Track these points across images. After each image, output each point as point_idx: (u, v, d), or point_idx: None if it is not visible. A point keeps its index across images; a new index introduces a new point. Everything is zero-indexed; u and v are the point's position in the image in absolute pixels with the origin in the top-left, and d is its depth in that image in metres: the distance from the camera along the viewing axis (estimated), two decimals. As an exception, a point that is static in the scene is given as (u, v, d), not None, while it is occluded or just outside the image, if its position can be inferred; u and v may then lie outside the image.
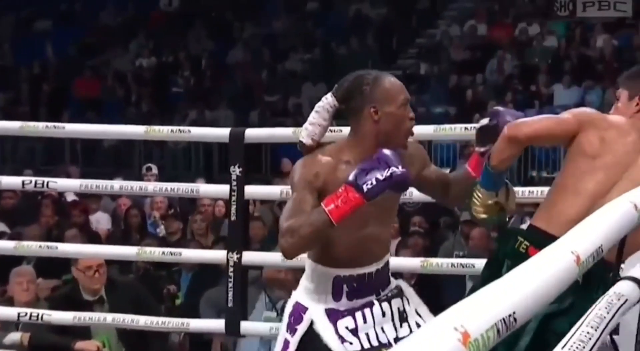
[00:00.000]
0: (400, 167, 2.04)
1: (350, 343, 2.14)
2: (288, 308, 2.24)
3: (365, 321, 2.17)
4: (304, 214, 2.07)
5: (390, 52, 12.16)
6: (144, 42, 12.82)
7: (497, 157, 2.20)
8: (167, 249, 3.58)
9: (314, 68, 11.83)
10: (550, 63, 10.63)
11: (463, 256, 4.50)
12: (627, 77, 2.39)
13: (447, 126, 3.22)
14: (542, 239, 2.07)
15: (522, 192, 3.15)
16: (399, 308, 2.22)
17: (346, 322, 2.17)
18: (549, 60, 10.70)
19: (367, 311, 2.19)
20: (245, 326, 3.37)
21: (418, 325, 2.21)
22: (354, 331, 2.16)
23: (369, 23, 12.35)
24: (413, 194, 2.89)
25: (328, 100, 2.28)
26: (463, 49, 11.34)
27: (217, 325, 3.43)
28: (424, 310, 2.26)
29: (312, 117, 2.30)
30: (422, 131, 3.49)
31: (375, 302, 2.21)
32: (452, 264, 3.05)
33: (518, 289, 1.01)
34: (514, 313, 0.95)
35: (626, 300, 1.49)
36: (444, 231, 5.77)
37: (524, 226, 2.26)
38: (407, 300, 2.26)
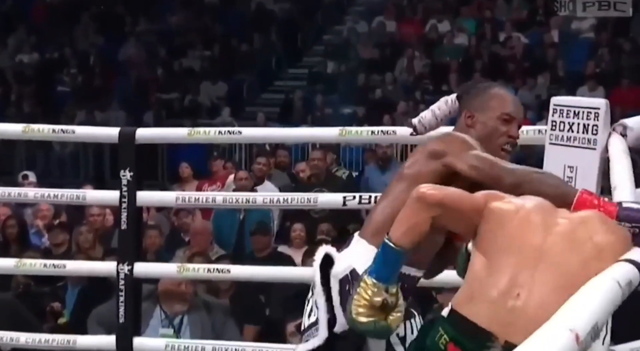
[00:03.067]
0: None
1: None
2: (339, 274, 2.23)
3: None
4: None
5: (295, 50, 12.18)
6: (25, 36, 12.42)
7: (400, 228, 1.93)
8: (49, 262, 3.47)
9: (213, 66, 11.73)
10: (461, 62, 10.85)
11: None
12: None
13: (353, 129, 3.25)
14: (462, 331, 1.86)
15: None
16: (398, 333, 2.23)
17: None
18: (459, 58, 10.92)
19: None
20: (139, 342, 3.31)
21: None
22: None
23: (272, 18, 12.33)
24: (318, 200, 2.87)
25: (451, 95, 2.40)
26: (371, 46, 11.45)
27: (107, 342, 3.36)
28: None
29: (435, 107, 2.40)
30: (326, 133, 3.50)
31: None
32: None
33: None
34: None
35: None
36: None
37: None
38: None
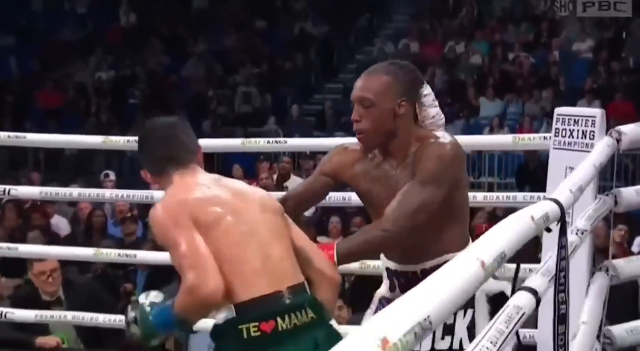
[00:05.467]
0: None
1: None
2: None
3: None
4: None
5: (331, 67, 12.21)
6: (103, 56, 12.61)
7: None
8: (122, 251, 3.50)
9: (261, 81, 11.79)
10: (475, 78, 10.79)
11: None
12: None
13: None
14: (258, 309, 1.78)
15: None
16: (445, 322, 1.77)
17: None
18: (474, 75, 10.87)
19: None
20: (196, 320, 3.32)
21: (461, 344, 1.93)
22: None
23: (311, 40, 12.37)
24: (351, 199, 2.86)
25: None
26: (397, 65, 11.42)
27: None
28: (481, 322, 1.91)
29: None
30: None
31: None
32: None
33: (432, 296, 1.04)
34: (428, 316, 0.98)
35: (524, 313, 1.40)
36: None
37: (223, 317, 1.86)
38: (465, 313, 1.95)
